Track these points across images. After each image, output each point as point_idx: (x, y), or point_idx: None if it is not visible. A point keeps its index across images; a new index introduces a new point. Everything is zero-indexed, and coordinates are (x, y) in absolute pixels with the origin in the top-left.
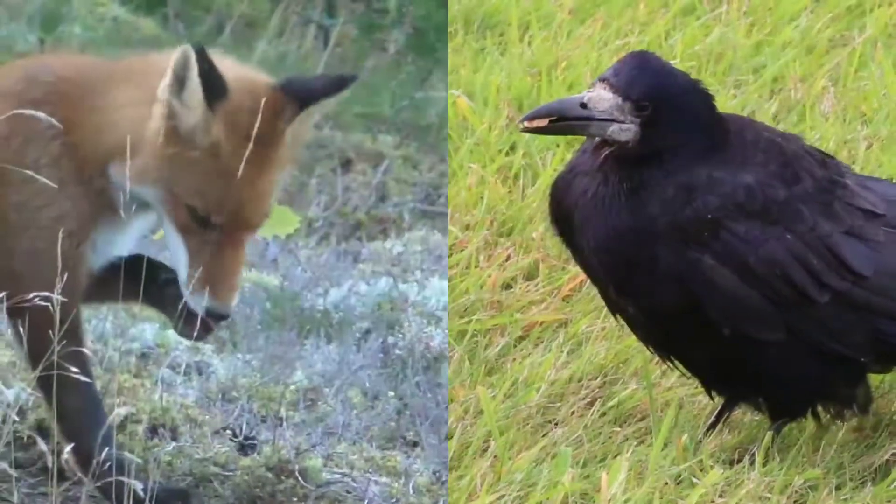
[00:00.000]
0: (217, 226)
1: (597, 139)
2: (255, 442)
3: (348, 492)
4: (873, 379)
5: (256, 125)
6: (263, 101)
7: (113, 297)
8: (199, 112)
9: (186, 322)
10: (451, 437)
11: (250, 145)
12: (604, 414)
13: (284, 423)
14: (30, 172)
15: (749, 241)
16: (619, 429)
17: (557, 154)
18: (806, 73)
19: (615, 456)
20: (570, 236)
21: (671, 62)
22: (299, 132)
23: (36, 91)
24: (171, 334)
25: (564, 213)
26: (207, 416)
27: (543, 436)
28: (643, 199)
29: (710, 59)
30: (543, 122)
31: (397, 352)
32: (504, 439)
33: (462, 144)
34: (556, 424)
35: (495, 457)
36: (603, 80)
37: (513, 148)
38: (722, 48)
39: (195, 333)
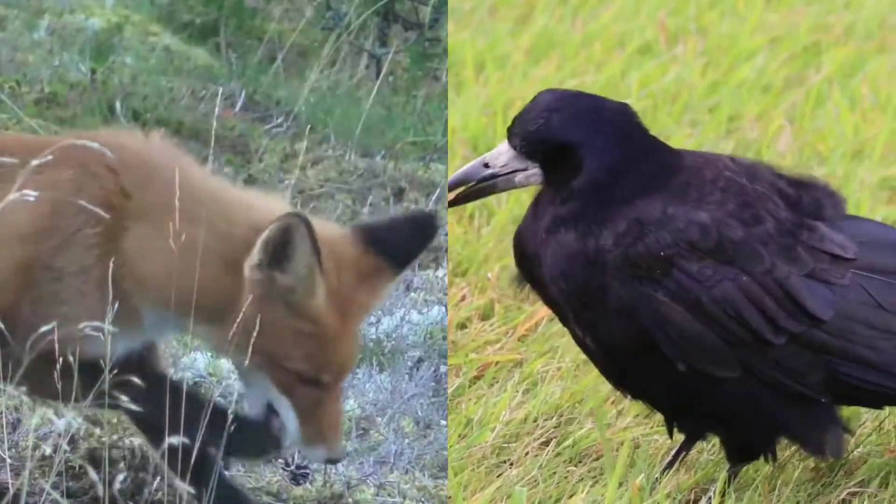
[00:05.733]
0: (325, 383)
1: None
2: (308, 471)
3: None
4: None
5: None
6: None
7: None
8: (308, 282)
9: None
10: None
11: (347, 301)
12: (559, 454)
13: None
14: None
15: (701, 280)
16: (574, 469)
17: (512, 194)
18: (762, 112)
19: (570, 496)
20: (534, 273)
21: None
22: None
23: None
24: (224, 363)
25: (528, 255)
26: None
27: (498, 476)
28: (594, 230)
29: (667, 99)
30: (461, 191)
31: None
32: (458, 480)
33: None
34: (511, 465)
35: (449, 497)
36: (507, 132)
37: None
38: (678, 87)
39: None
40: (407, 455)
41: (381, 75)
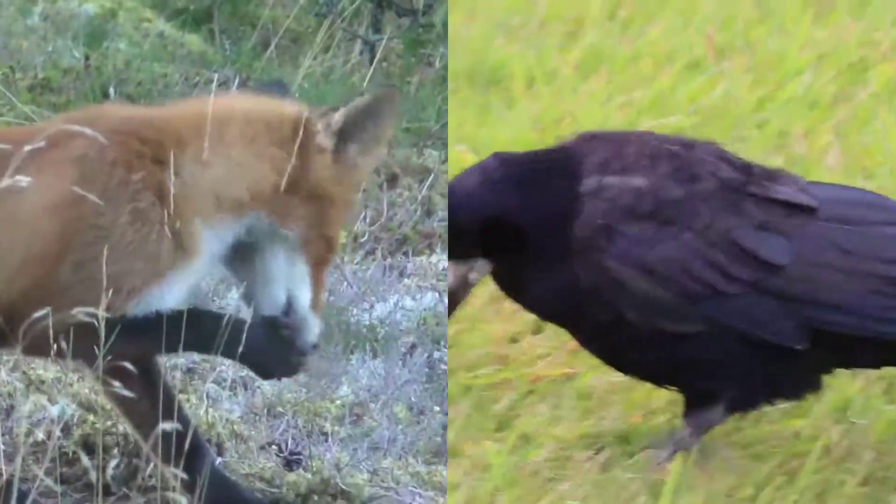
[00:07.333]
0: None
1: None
2: (301, 457)
3: None
4: (883, 435)
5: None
6: None
7: None
8: (372, 156)
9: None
10: (455, 491)
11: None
12: (612, 469)
13: (330, 439)
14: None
15: (643, 241)
16: (629, 481)
17: None
18: (810, 128)
19: None
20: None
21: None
22: None
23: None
24: None
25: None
26: (253, 432)
27: (550, 490)
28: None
29: (715, 114)
30: None
31: (443, 367)
32: (510, 494)
33: None
34: (563, 480)
35: None
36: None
37: None
38: (726, 103)
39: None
40: (400, 441)
41: (375, 61)
